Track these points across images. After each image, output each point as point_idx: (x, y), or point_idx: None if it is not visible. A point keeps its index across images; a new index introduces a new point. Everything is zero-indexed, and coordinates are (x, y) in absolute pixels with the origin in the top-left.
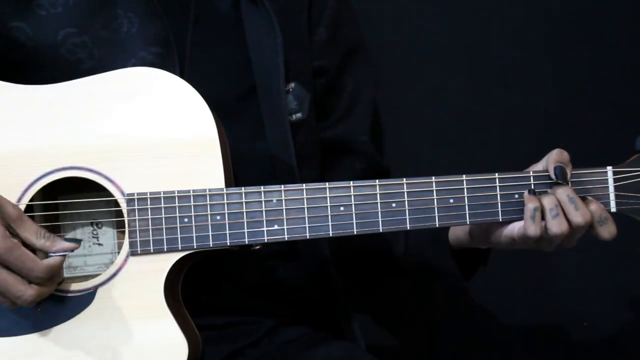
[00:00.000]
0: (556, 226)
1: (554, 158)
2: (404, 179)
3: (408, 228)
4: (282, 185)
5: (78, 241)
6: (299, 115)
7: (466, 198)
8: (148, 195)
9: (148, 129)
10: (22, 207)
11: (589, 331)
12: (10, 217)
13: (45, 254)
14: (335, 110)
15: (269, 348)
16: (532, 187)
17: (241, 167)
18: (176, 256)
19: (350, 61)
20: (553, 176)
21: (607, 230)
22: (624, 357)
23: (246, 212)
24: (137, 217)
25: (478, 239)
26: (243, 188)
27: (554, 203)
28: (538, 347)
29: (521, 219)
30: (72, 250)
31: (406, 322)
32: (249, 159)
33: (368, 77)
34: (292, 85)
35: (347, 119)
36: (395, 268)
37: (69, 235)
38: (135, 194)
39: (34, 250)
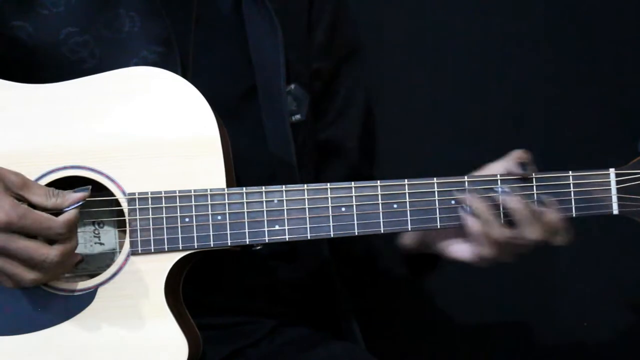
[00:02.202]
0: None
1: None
2: (406, 180)
3: (409, 229)
4: (284, 186)
5: (87, 189)
6: (297, 116)
7: None
8: (149, 195)
9: (149, 129)
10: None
11: (589, 331)
12: (16, 184)
13: (58, 213)
14: (328, 113)
15: (269, 348)
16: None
17: (241, 168)
18: (177, 256)
19: (345, 65)
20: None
21: (562, 239)
22: (624, 357)
23: (247, 212)
24: (138, 217)
25: (426, 247)
26: (244, 188)
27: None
28: (538, 347)
29: None
30: (84, 199)
31: (406, 322)
32: (249, 159)
33: (362, 82)
34: (292, 86)
35: (338, 123)
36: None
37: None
38: (137, 194)
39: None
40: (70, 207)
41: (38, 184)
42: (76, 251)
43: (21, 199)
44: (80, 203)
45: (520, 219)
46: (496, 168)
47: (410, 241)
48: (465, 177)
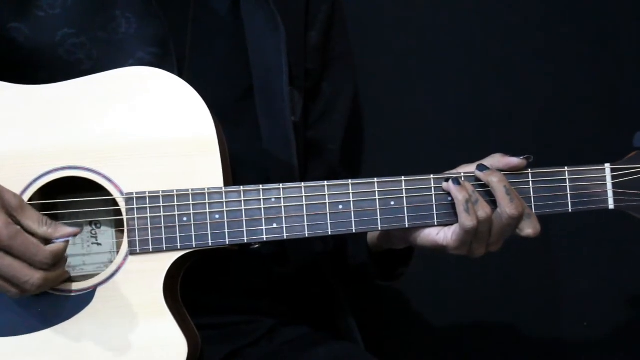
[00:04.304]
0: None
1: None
2: (402, 177)
3: (407, 226)
4: (281, 184)
5: (80, 226)
6: (292, 118)
7: None
8: (147, 195)
9: (147, 129)
10: None
11: (589, 331)
12: (11, 205)
13: (48, 241)
14: (312, 113)
15: (268, 348)
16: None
17: (239, 169)
18: (175, 255)
19: (333, 68)
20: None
21: (532, 226)
22: (624, 357)
23: (245, 210)
24: (136, 216)
25: (396, 240)
26: (242, 187)
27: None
28: (538, 347)
29: None
30: (74, 236)
31: (405, 321)
32: (246, 160)
33: (348, 87)
34: (289, 88)
35: (322, 124)
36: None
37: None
38: (134, 193)
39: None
40: (60, 240)
41: (33, 209)
42: (74, 251)
43: (14, 220)
44: (70, 238)
45: (499, 195)
46: (472, 168)
47: (376, 238)
48: (462, 173)
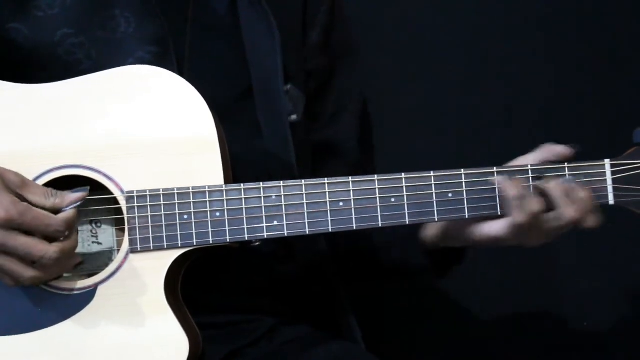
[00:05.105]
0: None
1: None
2: (403, 174)
3: (407, 223)
4: (281, 182)
5: (86, 189)
6: (294, 117)
7: (465, 192)
8: (147, 193)
9: (147, 127)
10: None
11: (589, 331)
12: (15, 184)
13: (57, 212)
14: (324, 113)
15: (268, 348)
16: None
17: (239, 168)
18: (176, 253)
19: (340, 65)
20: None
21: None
22: (624, 357)
23: (245, 208)
24: (136, 215)
25: (452, 238)
26: (242, 184)
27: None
28: (538, 347)
29: None
30: (83, 200)
31: (406, 321)
32: (246, 159)
33: (357, 81)
34: (288, 87)
35: (336, 122)
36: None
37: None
38: (135, 192)
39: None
40: (69, 207)
41: (37, 184)
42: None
43: (20, 198)
44: (79, 203)
45: (555, 198)
46: (528, 159)
47: (433, 236)
48: (462, 170)
